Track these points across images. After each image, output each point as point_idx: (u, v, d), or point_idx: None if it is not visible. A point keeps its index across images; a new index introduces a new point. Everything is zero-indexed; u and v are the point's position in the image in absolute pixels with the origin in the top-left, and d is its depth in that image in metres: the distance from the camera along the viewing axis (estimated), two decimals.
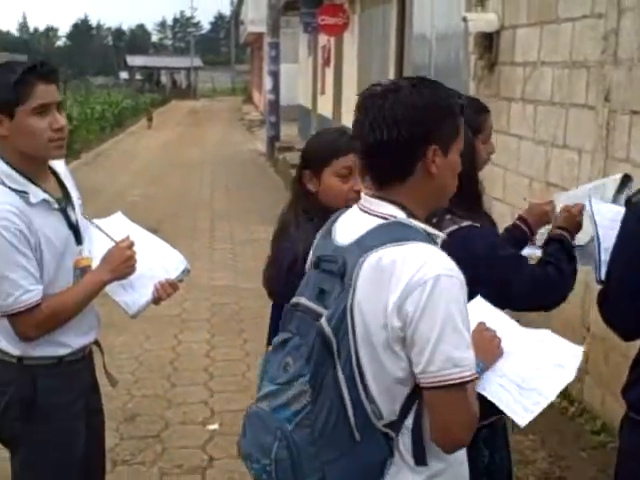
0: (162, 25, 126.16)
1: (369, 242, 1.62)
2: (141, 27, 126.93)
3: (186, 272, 2.55)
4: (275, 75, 18.23)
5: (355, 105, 1.71)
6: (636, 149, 3.93)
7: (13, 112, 2.19)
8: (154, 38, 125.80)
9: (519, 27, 5.49)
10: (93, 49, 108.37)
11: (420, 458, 1.64)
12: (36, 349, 2.30)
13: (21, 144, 2.23)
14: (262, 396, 1.71)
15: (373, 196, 1.70)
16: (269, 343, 2.46)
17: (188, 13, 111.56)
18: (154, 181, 13.90)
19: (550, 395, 1.85)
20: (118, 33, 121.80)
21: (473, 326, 1.79)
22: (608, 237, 2.23)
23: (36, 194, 2.26)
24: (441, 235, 1.71)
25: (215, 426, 4.31)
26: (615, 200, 2.49)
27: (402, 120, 1.62)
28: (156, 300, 2.49)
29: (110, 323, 2.63)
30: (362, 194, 1.76)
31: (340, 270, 1.62)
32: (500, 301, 2.11)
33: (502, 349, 1.93)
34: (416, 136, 1.63)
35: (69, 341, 2.36)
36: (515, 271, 2.26)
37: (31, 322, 2.24)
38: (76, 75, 70.88)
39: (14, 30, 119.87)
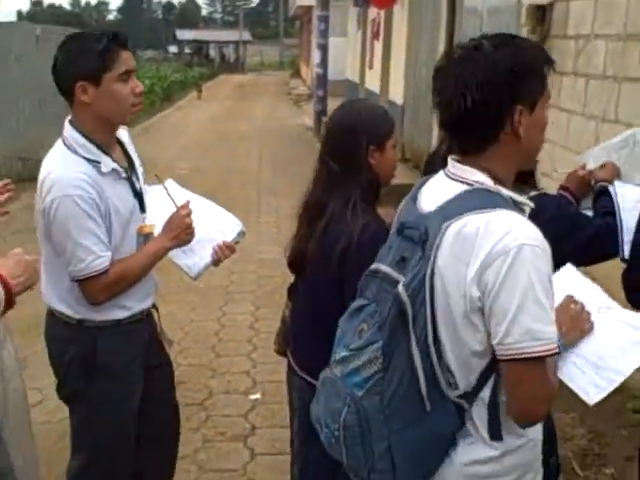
0: None
1: (453, 209, 1.58)
2: (191, 1, 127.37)
3: (242, 234, 2.64)
4: (324, 49, 18.11)
5: (435, 72, 1.67)
6: None
7: (100, 79, 2.28)
8: (203, 12, 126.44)
9: None
10: (143, 23, 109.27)
11: (496, 433, 1.61)
12: (97, 314, 2.41)
13: (105, 110, 2.32)
14: (336, 362, 1.71)
15: (459, 162, 1.67)
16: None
17: None
18: (202, 154, 13.98)
19: (626, 372, 1.80)
20: (168, 7, 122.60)
21: (560, 298, 1.76)
22: (632, 217, 2.25)
23: (107, 164, 2.35)
24: (529, 204, 1.66)
25: (257, 396, 4.37)
26: None
27: (485, 84, 1.57)
28: (215, 262, 2.59)
29: (158, 294, 2.69)
30: (449, 159, 1.71)
31: (422, 237, 1.59)
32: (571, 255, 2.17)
33: (592, 324, 1.88)
34: (501, 99, 1.58)
35: (130, 304, 2.47)
36: (584, 222, 2.43)
37: (100, 286, 2.35)
38: None
39: (66, 4, 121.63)
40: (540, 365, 1.53)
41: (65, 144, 2.35)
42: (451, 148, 1.80)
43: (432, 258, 1.56)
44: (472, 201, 1.58)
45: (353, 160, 2.24)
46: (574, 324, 1.87)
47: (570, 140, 5.24)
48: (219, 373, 4.67)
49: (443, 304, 1.56)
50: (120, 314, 2.45)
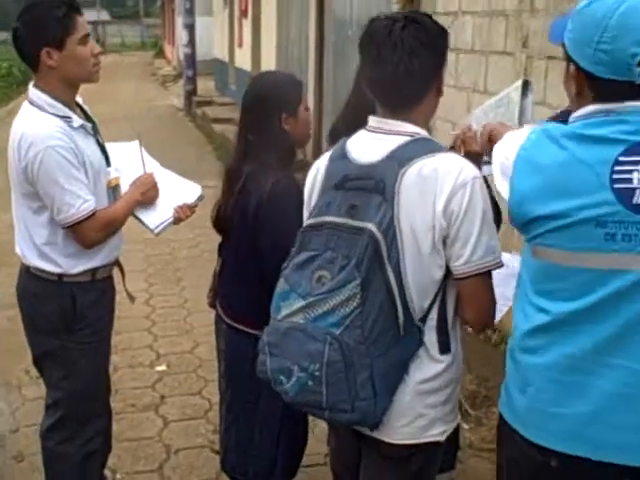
0: None
1: (404, 156, 1.82)
2: None
3: (201, 198, 2.82)
4: (190, 28, 17.97)
5: (369, 36, 1.89)
6: (552, 93, 4.21)
7: (64, 43, 2.44)
8: None
9: None
10: None
11: (445, 346, 1.90)
12: (75, 266, 2.56)
13: (71, 71, 2.48)
14: (292, 312, 1.84)
15: (390, 118, 1.90)
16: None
17: None
18: None
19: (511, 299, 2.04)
20: None
21: None
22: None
23: (76, 120, 2.51)
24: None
25: (163, 367, 4.49)
26: (522, 106, 2.62)
27: (428, 48, 1.84)
28: (176, 220, 2.78)
29: None
30: (371, 118, 1.94)
31: (379, 186, 1.80)
32: None
33: None
34: (437, 61, 1.89)
35: (104, 252, 2.64)
36: None
37: (93, 227, 2.51)
38: None
39: None
40: (490, 276, 1.88)
41: (34, 105, 2.50)
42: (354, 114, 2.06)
43: (396, 200, 1.80)
44: (420, 148, 1.84)
45: (268, 129, 2.42)
46: None
47: (446, 111, 5.58)
48: (120, 349, 4.71)
49: (410, 239, 1.81)
50: (96, 262, 2.62)
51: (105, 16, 58.00)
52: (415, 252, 1.82)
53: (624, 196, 1.55)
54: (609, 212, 1.56)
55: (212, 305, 2.77)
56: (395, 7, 6.45)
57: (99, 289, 2.69)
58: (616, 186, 1.56)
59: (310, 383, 1.80)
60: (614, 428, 1.64)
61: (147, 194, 2.72)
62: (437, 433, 1.97)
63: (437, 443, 1.98)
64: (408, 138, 1.87)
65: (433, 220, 1.80)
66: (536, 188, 1.64)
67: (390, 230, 1.79)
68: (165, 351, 4.72)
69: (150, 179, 2.74)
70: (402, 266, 1.80)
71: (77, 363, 2.65)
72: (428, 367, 1.91)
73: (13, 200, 2.61)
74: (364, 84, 1.98)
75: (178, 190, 2.82)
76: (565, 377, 1.68)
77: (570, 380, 1.67)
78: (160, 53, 42.35)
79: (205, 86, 19.03)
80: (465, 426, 3.76)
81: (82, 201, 2.48)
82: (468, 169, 1.83)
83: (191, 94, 17.73)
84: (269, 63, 12.78)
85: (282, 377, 1.86)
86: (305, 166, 2.33)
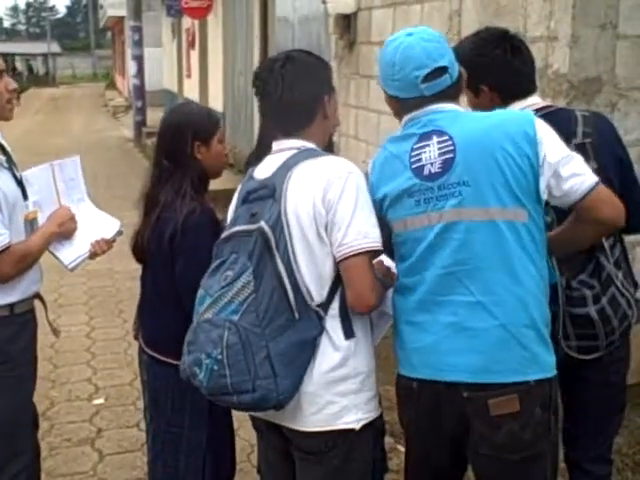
0: (14, 9, 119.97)
1: (291, 163, 2.03)
2: None
3: (120, 233, 2.80)
4: (139, 60, 17.97)
5: (257, 74, 2.14)
6: None
7: None
8: (6, 23, 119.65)
9: (374, 8, 5.83)
10: None
11: (349, 331, 2.04)
12: None
13: None
14: (204, 311, 2.01)
15: (283, 139, 2.12)
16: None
17: None
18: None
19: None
20: None
21: None
22: None
23: None
24: None
25: (101, 400, 4.43)
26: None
27: (306, 80, 2.07)
28: (92, 255, 2.73)
29: None
30: (274, 143, 2.15)
31: (271, 191, 2.01)
32: None
33: None
34: (318, 90, 2.13)
35: (22, 287, 2.58)
36: None
37: (7, 261, 2.47)
38: None
39: None
40: (368, 258, 2.03)
41: None
42: (267, 141, 2.24)
43: (283, 198, 2.01)
44: (304, 155, 2.07)
45: (181, 155, 2.50)
46: None
47: (381, 137, 5.69)
48: (59, 383, 4.66)
49: (297, 230, 2.01)
50: (14, 298, 2.57)
51: (56, 48, 57.63)
52: (304, 241, 2.01)
53: (418, 171, 2.07)
54: (412, 184, 2.07)
55: (136, 337, 2.76)
56: (333, 37, 6.58)
57: (18, 323, 2.63)
58: (413, 166, 2.08)
59: (216, 367, 1.95)
60: (448, 353, 2.04)
61: (65, 226, 2.69)
62: (351, 421, 2.06)
63: (353, 431, 2.06)
64: (296, 150, 2.11)
65: (314, 210, 2.00)
66: (374, 181, 2.16)
67: (278, 224, 1.99)
68: (104, 384, 4.66)
69: (66, 212, 2.72)
70: (292, 255, 1.99)
71: None
72: (332, 355, 2.03)
73: None
74: (261, 116, 2.22)
75: (97, 224, 2.80)
76: (414, 318, 2.10)
77: (418, 320, 2.09)
78: (111, 84, 42.27)
79: (155, 117, 18.92)
80: (401, 448, 3.78)
81: None
82: (344, 166, 2.06)
83: (141, 125, 17.71)
84: (216, 93, 12.88)
85: (196, 369, 2.00)
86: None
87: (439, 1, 4.83)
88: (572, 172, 2.03)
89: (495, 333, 2.01)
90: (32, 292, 2.68)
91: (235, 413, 2.73)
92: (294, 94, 2.07)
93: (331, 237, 2.00)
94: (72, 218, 2.71)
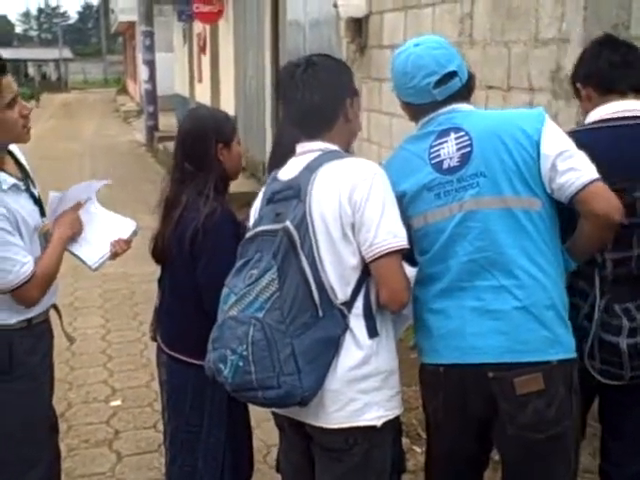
0: (26, 15, 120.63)
1: (315, 164, 2.07)
2: (3, 18, 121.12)
3: (136, 233, 2.84)
4: (151, 64, 18.07)
5: (281, 79, 2.22)
6: None
7: None
8: (18, 29, 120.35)
9: (385, 12, 5.86)
10: None
11: (373, 330, 2.07)
12: (12, 317, 2.52)
13: (0, 137, 2.44)
14: (229, 308, 2.04)
15: (307, 142, 2.16)
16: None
17: (53, 3, 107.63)
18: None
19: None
20: None
21: None
22: None
23: (6, 181, 2.47)
24: None
25: (118, 402, 4.47)
26: None
27: (327, 84, 2.12)
28: (113, 255, 2.77)
29: None
30: (297, 146, 2.19)
31: (296, 192, 2.05)
32: None
33: None
34: (339, 94, 2.17)
35: (42, 302, 2.58)
36: None
37: (33, 287, 2.49)
38: None
39: None
40: (400, 257, 2.07)
41: None
42: (289, 144, 2.27)
43: (308, 198, 2.06)
44: (329, 156, 2.11)
45: (205, 158, 2.54)
46: None
47: (394, 140, 5.71)
48: (76, 385, 4.71)
49: (322, 230, 2.05)
50: (32, 313, 2.57)
51: (67, 53, 57.87)
52: (328, 241, 2.05)
53: (438, 166, 2.17)
54: (432, 179, 2.17)
55: (154, 339, 2.80)
56: (344, 41, 6.61)
57: (35, 335, 2.63)
58: (433, 161, 2.18)
59: (241, 364, 1.98)
60: (473, 336, 2.12)
61: (73, 225, 2.69)
62: (372, 417, 2.09)
63: (374, 429, 2.09)
64: (320, 152, 2.15)
65: (340, 210, 2.04)
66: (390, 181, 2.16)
67: (303, 223, 2.03)
68: (121, 386, 4.71)
69: (68, 212, 2.70)
70: (316, 253, 2.03)
71: (12, 413, 2.57)
72: (355, 353, 2.06)
73: None
74: (282, 119, 2.24)
75: (113, 226, 2.85)
76: (438, 305, 2.18)
77: (442, 307, 2.17)
78: (123, 89, 42.43)
79: (167, 121, 19.09)
80: (418, 450, 3.80)
81: (20, 265, 2.45)
82: (370, 166, 2.11)
83: (153, 129, 17.80)
84: (228, 97, 12.93)
85: (221, 365, 2.03)
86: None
87: (450, 4, 4.85)
88: (570, 167, 2.09)
89: (518, 314, 2.10)
90: (50, 304, 2.71)
91: (252, 414, 2.78)
92: (315, 98, 2.12)
93: (359, 237, 2.04)
94: (77, 218, 2.71)
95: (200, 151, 2.54)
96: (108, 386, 4.72)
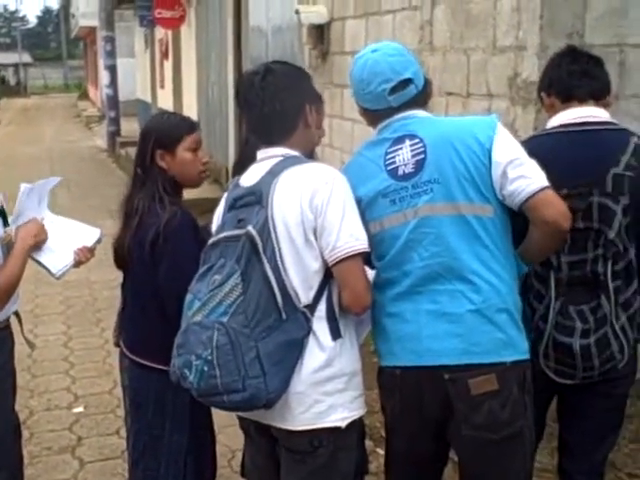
0: None
1: (276, 170, 2.08)
2: None
3: (100, 241, 2.84)
4: (112, 70, 17.94)
5: (238, 86, 2.23)
6: None
7: None
8: None
9: (347, 19, 5.92)
10: None
11: (336, 332, 2.10)
12: None
13: None
14: (193, 314, 2.05)
15: (268, 148, 2.18)
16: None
17: (12, 7, 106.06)
18: None
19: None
20: None
21: None
22: None
23: None
24: None
25: (80, 409, 4.44)
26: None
27: (286, 90, 2.14)
28: (77, 263, 2.76)
29: None
30: (258, 152, 2.20)
31: (258, 198, 2.07)
32: None
33: None
34: (298, 100, 2.18)
35: (4, 310, 2.61)
36: None
37: None
38: None
39: None
40: (361, 260, 2.09)
41: None
42: (250, 151, 2.31)
43: (270, 203, 2.07)
44: (289, 162, 2.13)
45: (146, 164, 2.55)
46: None
47: (355, 145, 5.75)
48: (37, 393, 4.66)
49: (284, 234, 2.06)
50: None
51: (27, 58, 57.15)
52: (291, 246, 2.06)
53: (393, 173, 2.20)
54: (387, 185, 2.20)
55: (117, 344, 2.80)
56: (306, 47, 6.66)
57: None
58: (388, 168, 2.21)
59: (206, 368, 1.99)
60: (429, 339, 2.16)
61: (37, 235, 2.69)
62: (336, 419, 2.12)
63: (339, 430, 2.12)
64: (281, 158, 2.17)
65: (301, 215, 2.06)
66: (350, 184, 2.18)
67: (265, 229, 2.05)
68: (83, 392, 4.67)
69: (36, 223, 2.72)
70: (279, 258, 2.04)
71: None
72: (319, 355, 2.08)
73: None
74: (245, 127, 2.25)
75: (77, 234, 2.84)
76: (396, 309, 2.21)
77: (399, 310, 2.21)
78: (84, 95, 41.99)
79: (129, 127, 18.95)
80: (380, 452, 3.84)
81: None
82: (330, 171, 2.13)
83: (115, 135, 17.67)
84: (191, 103, 12.89)
85: (186, 371, 2.04)
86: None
87: (411, 11, 4.92)
88: (520, 174, 2.14)
89: (472, 317, 2.14)
90: (11, 312, 2.71)
91: (215, 419, 2.79)
92: (275, 105, 2.13)
93: (321, 241, 2.06)
94: (42, 227, 2.72)
95: (142, 156, 2.57)
96: (70, 393, 4.68)
